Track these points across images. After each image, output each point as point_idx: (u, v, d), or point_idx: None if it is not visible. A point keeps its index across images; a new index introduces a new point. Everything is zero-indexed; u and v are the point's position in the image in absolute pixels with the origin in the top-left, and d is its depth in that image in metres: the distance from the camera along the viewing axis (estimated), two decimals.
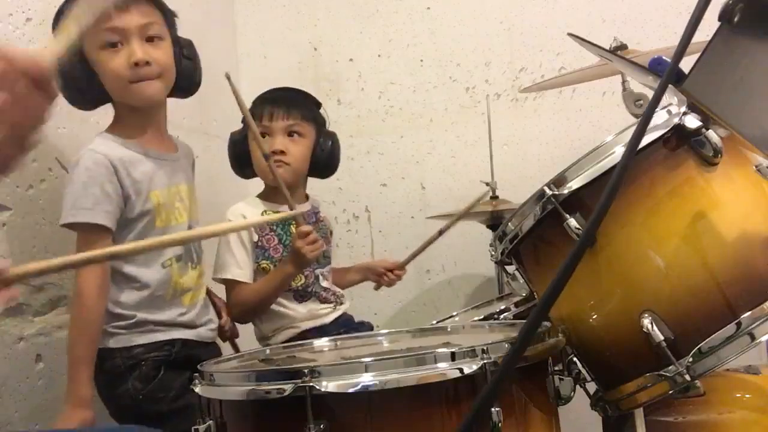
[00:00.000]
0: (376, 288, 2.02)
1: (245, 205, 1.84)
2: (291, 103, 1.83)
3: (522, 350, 0.83)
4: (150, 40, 1.43)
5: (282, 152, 1.78)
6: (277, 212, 1.82)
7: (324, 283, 1.87)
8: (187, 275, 1.53)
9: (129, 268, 1.43)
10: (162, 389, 1.42)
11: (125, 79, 1.41)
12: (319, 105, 1.92)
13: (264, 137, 1.77)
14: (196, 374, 1.07)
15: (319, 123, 1.89)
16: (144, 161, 1.47)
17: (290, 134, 1.81)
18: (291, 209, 1.69)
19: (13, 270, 0.72)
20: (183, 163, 1.61)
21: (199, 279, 1.58)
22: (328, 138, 1.89)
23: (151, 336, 1.45)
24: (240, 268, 1.75)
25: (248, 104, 1.92)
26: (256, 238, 1.78)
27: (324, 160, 1.88)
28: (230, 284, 1.76)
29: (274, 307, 1.79)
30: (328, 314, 1.85)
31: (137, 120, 1.49)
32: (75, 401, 1.33)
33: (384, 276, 1.98)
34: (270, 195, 1.85)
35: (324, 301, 1.85)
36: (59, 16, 1.41)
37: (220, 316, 1.69)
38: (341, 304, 1.91)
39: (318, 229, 1.88)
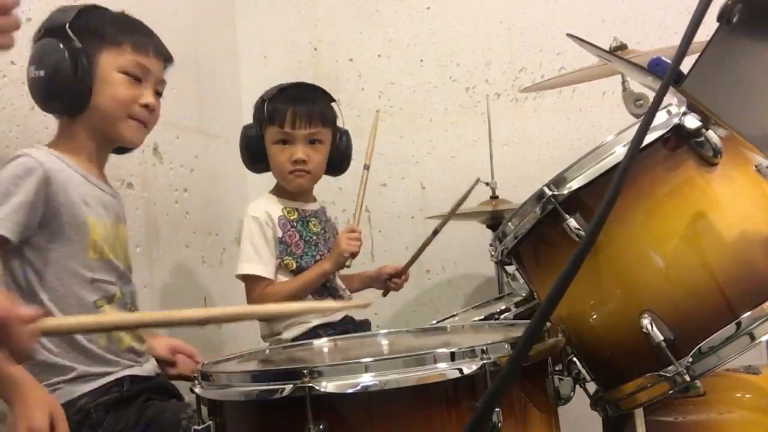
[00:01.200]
0: (384, 294, 2.04)
1: (266, 202, 1.87)
2: (312, 110, 1.83)
3: (526, 353, 0.83)
4: (157, 94, 1.46)
5: (303, 161, 1.81)
6: (295, 209, 1.87)
7: (338, 282, 1.90)
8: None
9: (53, 308, 1.29)
10: (117, 422, 1.33)
11: (126, 112, 1.40)
12: (332, 100, 1.92)
13: (284, 144, 1.82)
14: (196, 375, 1.07)
15: (335, 123, 1.91)
16: (84, 184, 1.37)
17: (311, 142, 1.83)
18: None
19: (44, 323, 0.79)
20: (119, 205, 1.51)
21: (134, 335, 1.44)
22: (342, 136, 1.92)
23: (96, 382, 1.34)
24: (265, 264, 1.77)
25: (250, 102, 1.94)
26: (280, 234, 1.81)
27: (339, 160, 1.92)
28: (254, 280, 1.77)
29: None
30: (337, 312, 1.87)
31: (90, 147, 1.42)
32: (32, 392, 1.14)
33: (389, 282, 2.00)
34: (285, 192, 1.89)
35: (339, 298, 1.88)
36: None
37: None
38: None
39: (328, 229, 1.93)
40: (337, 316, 1.85)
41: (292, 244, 1.81)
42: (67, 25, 1.34)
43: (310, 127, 1.81)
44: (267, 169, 1.89)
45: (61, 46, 1.32)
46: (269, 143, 1.83)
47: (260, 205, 1.85)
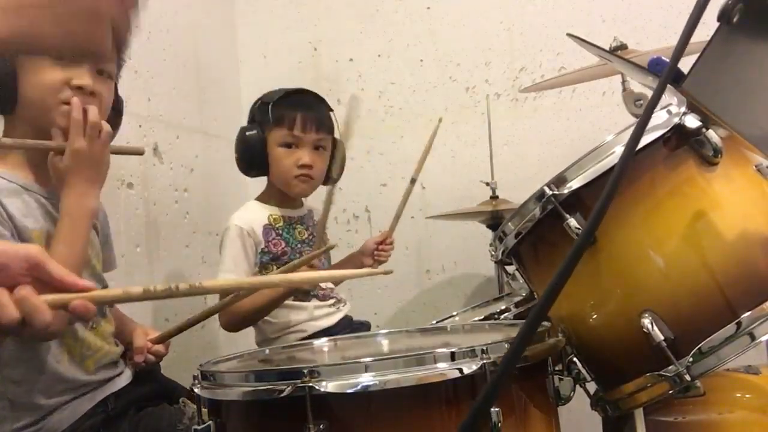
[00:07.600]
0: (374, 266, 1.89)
1: (251, 210, 1.83)
2: (320, 116, 1.83)
3: (523, 349, 0.83)
4: (100, 73, 1.27)
5: (309, 167, 1.79)
6: (281, 216, 1.83)
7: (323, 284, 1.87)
8: (91, 336, 1.29)
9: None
10: None
11: (60, 97, 1.22)
12: (331, 109, 1.91)
13: (290, 147, 1.79)
14: (196, 375, 1.07)
15: (333, 133, 1.89)
16: (24, 197, 1.22)
17: (316, 148, 1.82)
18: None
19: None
20: None
21: (104, 338, 1.33)
22: (338, 148, 1.88)
23: (78, 410, 1.26)
24: (232, 272, 1.72)
25: (250, 102, 1.93)
26: (263, 244, 1.77)
27: (335, 171, 1.88)
28: None
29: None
30: (332, 315, 1.85)
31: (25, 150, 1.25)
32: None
33: (377, 252, 1.89)
34: (273, 198, 1.85)
35: (324, 298, 1.86)
36: None
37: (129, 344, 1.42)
38: (343, 305, 1.92)
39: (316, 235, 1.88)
40: (332, 320, 1.83)
41: (278, 253, 1.78)
42: None
43: (318, 132, 1.81)
44: (263, 173, 1.85)
45: None
46: (273, 145, 1.80)
47: (244, 214, 1.81)
